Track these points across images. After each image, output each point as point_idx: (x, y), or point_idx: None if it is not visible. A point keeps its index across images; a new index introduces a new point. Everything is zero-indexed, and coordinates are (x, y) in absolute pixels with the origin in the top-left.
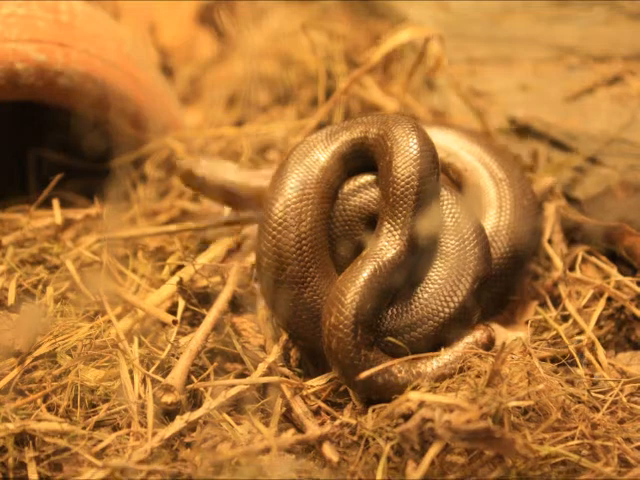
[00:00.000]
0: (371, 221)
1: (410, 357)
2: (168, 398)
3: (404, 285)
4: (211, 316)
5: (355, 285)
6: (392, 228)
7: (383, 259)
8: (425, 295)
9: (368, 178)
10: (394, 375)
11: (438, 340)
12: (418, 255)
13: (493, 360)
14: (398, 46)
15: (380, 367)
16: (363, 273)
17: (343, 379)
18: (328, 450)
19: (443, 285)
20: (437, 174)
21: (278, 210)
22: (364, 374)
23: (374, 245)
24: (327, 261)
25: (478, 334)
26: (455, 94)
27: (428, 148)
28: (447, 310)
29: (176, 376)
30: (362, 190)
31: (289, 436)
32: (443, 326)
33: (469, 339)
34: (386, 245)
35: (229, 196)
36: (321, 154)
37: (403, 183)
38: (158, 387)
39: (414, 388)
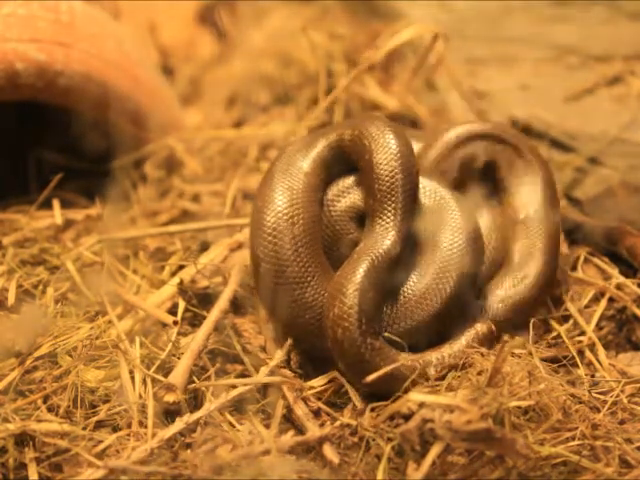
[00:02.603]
0: (361, 219)
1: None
2: (170, 397)
3: (400, 277)
4: (213, 315)
5: (355, 276)
6: (383, 222)
7: (379, 251)
8: (418, 284)
9: (352, 179)
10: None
11: (436, 328)
12: (411, 247)
13: (495, 358)
14: (403, 43)
15: (391, 367)
16: (362, 265)
17: (348, 369)
18: (329, 452)
19: (435, 274)
20: (416, 166)
21: (270, 217)
22: (371, 377)
23: (368, 240)
24: (324, 261)
25: (479, 326)
26: (456, 94)
27: (405, 142)
28: (444, 292)
29: (178, 375)
30: (348, 190)
31: (289, 438)
32: (438, 314)
33: (471, 331)
34: (380, 239)
35: None
36: (303, 162)
37: (388, 178)
38: (160, 386)
39: (417, 380)
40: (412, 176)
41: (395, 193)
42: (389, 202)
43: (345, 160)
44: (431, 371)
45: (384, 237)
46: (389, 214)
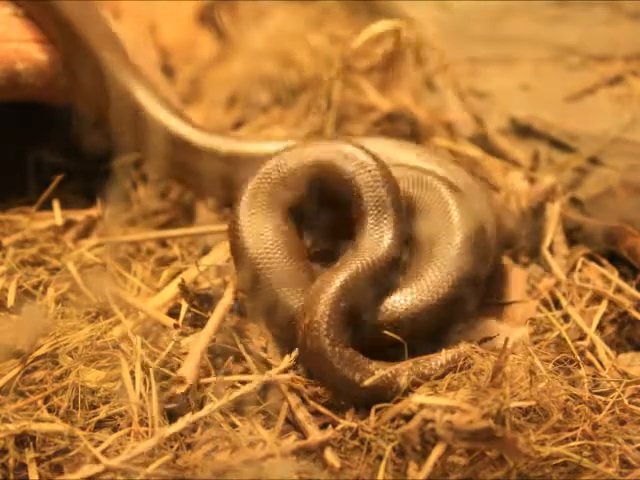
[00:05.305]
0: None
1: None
2: (180, 389)
3: (393, 280)
4: (219, 311)
5: (330, 286)
6: (374, 232)
7: (366, 260)
8: (414, 285)
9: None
10: (371, 373)
11: (432, 329)
12: (407, 251)
13: (495, 358)
14: (373, 37)
15: (378, 375)
16: (339, 276)
17: (320, 379)
18: (330, 456)
19: (431, 275)
20: (393, 177)
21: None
22: (367, 382)
23: (360, 245)
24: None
25: (462, 347)
26: (454, 95)
27: (377, 158)
28: (441, 291)
29: (188, 368)
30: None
31: (291, 442)
32: (433, 312)
33: (452, 350)
34: (370, 247)
35: None
36: (272, 219)
37: (376, 199)
38: (169, 381)
39: (396, 389)
40: (396, 191)
41: (387, 213)
42: (382, 219)
43: (319, 185)
44: (402, 381)
45: (376, 244)
46: (379, 225)
